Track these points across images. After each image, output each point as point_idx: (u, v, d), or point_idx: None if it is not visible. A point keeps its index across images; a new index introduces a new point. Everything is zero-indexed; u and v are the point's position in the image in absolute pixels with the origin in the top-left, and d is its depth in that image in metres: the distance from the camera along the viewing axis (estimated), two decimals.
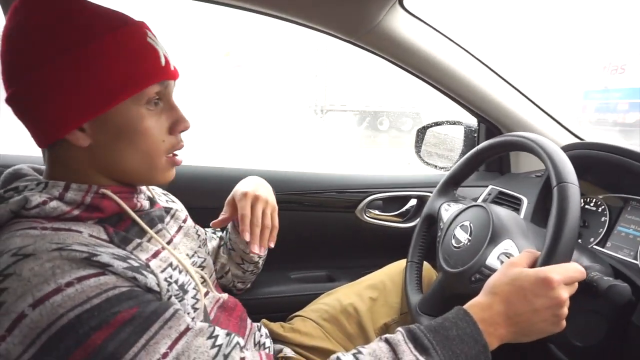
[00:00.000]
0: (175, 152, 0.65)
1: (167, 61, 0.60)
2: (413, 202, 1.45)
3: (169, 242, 0.69)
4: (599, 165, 0.97)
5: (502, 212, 0.78)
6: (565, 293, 0.58)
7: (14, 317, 0.44)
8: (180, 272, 0.65)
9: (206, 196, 1.21)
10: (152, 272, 0.56)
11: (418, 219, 1.01)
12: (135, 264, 0.53)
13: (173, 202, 0.84)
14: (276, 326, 0.95)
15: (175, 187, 0.85)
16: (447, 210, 0.91)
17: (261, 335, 0.82)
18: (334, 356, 0.56)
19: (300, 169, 1.40)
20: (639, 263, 0.80)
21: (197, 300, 0.66)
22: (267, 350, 0.81)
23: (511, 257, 0.69)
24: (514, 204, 1.13)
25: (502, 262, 0.69)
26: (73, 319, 0.45)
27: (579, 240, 0.94)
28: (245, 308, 0.86)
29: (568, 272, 0.59)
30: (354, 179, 1.40)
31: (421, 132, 1.52)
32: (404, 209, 1.45)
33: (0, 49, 0.56)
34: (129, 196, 0.64)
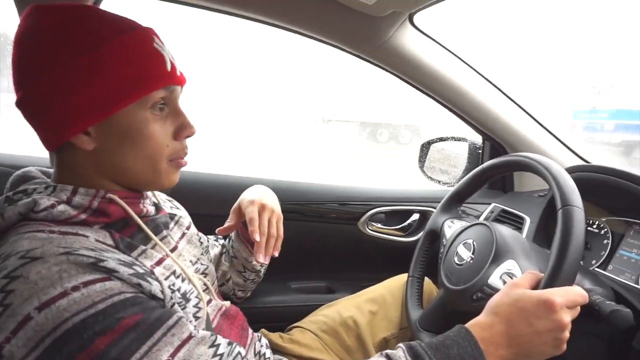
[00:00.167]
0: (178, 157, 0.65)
1: (173, 67, 0.61)
2: (415, 216, 1.45)
3: (173, 249, 0.69)
4: (603, 188, 0.97)
5: (505, 232, 0.78)
6: (567, 317, 0.57)
7: (20, 319, 0.44)
8: (183, 280, 0.65)
9: (209, 203, 1.21)
10: (157, 279, 0.56)
11: (420, 234, 1.01)
12: (141, 271, 0.54)
13: (177, 208, 0.84)
14: (275, 336, 0.94)
15: (179, 194, 0.86)
16: (451, 227, 0.91)
17: (261, 346, 0.82)
18: None
19: (304, 179, 1.41)
20: None
21: (199, 309, 0.66)
22: None
23: (514, 278, 0.69)
24: (516, 222, 1.13)
25: (504, 282, 0.70)
26: (78, 323, 0.45)
27: (581, 262, 0.94)
28: (245, 317, 0.86)
29: (571, 296, 0.59)
30: (357, 191, 1.40)
31: (425, 147, 1.52)
32: (406, 223, 1.45)
33: (12, 52, 0.57)
34: (135, 201, 0.64)
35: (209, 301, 0.74)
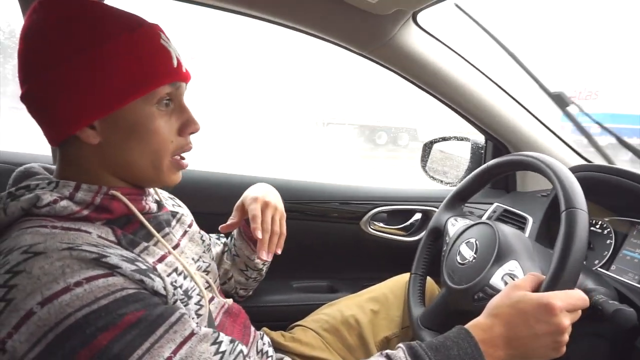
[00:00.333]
0: (182, 155, 0.66)
1: (179, 63, 0.61)
2: (418, 216, 1.45)
3: (175, 247, 0.69)
4: (606, 187, 0.97)
5: (508, 232, 0.78)
6: (566, 320, 0.57)
7: (22, 314, 0.44)
8: (185, 277, 0.65)
9: (211, 202, 1.21)
10: (159, 276, 0.56)
11: (422, 234, 1.01)
12: (143, 267, 0.54)
13: (179, 206, 0.84)
14: (277, 335, 0.94)
15: (182, 192, 0.86)
16: (454, 225, 0.91)
17: (264, 344, 0.82)
18: None
19: (305, 178, 1.41)
20: None
21: (201, 306, 0.66)
22: (269, 359, 0.81)
23: (515, 279, 0.69)
24: (519, 222, 1.13)
25: (506, 282, 0.69)
26: (80, 318, 0.45)
27: (584, 262, 0.94)
28: (247, 315, 0.86)
29: (571, 300, 0.59)
30: (359, 190, 1.40)
31: (428, 147, 1.52)
32: (408, 222, 1.45)
33: (18, 47, 0.57)
34: (137, 198, 0.64)
35: (212, 299, 0.74)
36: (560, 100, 1.13)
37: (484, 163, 0.99)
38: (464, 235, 0.85)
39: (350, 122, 11.96)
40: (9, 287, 0.45)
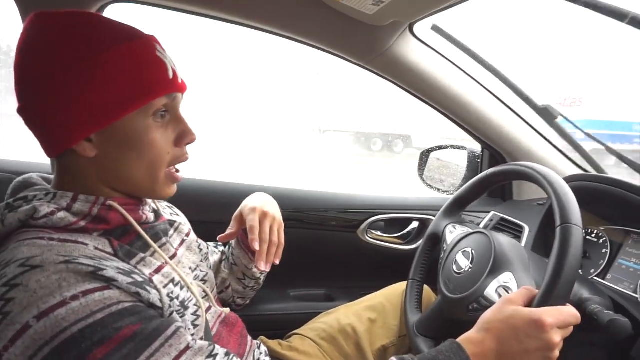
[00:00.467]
0: (177, 168, 0.66)
1: (175, 74, 0.61)
2: (415, 224, 1.45)
3: (172, 257, 0.69)
4: (601, 197, 0.98)
5: (504, 242, 0.78)
6: (557, 337, 0.58)
7: (19, 328, 0.44)
8: (182, 288, 0.65)
9: (210, 210, 1.22)
10: (155, 288, 0.56)
11: (419, 242, 1.01)
12: (139, 279, 0.54)
13: (177, 215, 0.84)
14: (274, 344, 0.94)
15: (180, 200, 0.86)
16: (452, 233, 0.91)
17: (261, 353, 0.82)
18: None
19: (303, 186, 1.41)
20: (639, 297, 0.80)
21: (198, 316, 0.66)
22: None
23: (509, 292, 0.69)
24: (515, 231, 1.13)
25: (500, 295, 0.70)
26: (76, 332, 0.45)
27: (580, 271, 0.94)
28: (244, 324, 0.86)
29: (562, 316, 0.59)
30: (357, 199, 1.41)
31: (425, 155, 1.53)
32: (405, 231, 1.46)
33: (14, 60, 0.57)
34: (134, 208, 0.64)
35: (209, 308, 0.74)
36: (548, 114, 1.15)
37: (481, 172, 1.00)
38: (460, 244, 0.85)
39: (346, 130, 12.31)
40: (6, 300, 0.45)
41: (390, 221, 1.42)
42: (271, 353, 0.90)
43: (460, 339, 0.61)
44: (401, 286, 1.08)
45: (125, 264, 0.56)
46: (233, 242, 0.97)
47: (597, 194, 0.98)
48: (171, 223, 0.77)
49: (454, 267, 0.81)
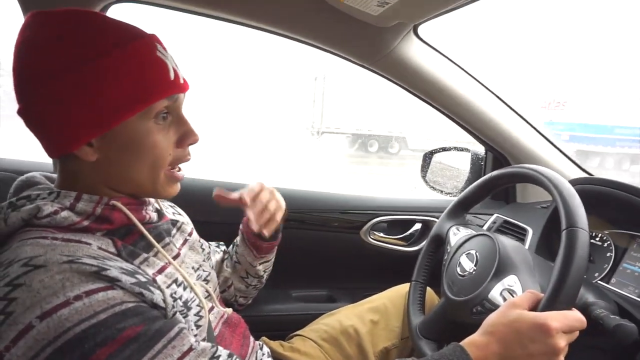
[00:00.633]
0: (179, 166, 0.65)
1: (176, 74, 0.60)
2: (418, 226, 1.45)
3: (175, 257, 0.69)
4: (606, 200, 0.97)
5: (509, 244, 0.77)
6: (562, 341, 0.57)
7: (21, 328, 0.44)
8: (185, 288, 0.65)
9: (211, 210, 1.21)
10: (159, 288, 0.56)
11: (422, 244, 1.01)
12: (143, 279, 0.53)
13: (180, 214, 0.84)
14: (276, 345, 0.94)
15: (182, 200, 0.86)
16: (456, 235, 0.91)
17: (263, 354, 0.82)
18: None
19: (302, 187, 1.41)
20: None
21: (201, 317, 0.66)
22: None
23: (514, 295, 0.68)
24: (519, 233, 1.13)
25: (504, 298, 0.69)
26: (79, 333, 0.45)
27: (584, 276, 0.94)
28: (246, 325, 0.86)
29: (568, 320, 0.58)
30: (359, 200, 1.41)
31: (428, 157, 1.52)
32: (408, 232, 1.45)
33: (12, 61, 0.56)
34: (137, 208, 0.64)
35: (211, 308, 0.73)
36: None
37: (484, 174, 0.99)
38: (464, 246, 0.85)
39: (343, 131, 12.69)
40: (9, 300, 0.45)
41: (393, 222, 1.42)
42: (273, 354, 0.90)
43: (464, 342, 0.60)
44: (404, 288, 1.07)
45: (129, 264, 0.56)
46: (237, 239, 0.97)
47: (602, 197, 0.97)
48: (174, 222, 0.77)
49: (458, 270, 0.81)
